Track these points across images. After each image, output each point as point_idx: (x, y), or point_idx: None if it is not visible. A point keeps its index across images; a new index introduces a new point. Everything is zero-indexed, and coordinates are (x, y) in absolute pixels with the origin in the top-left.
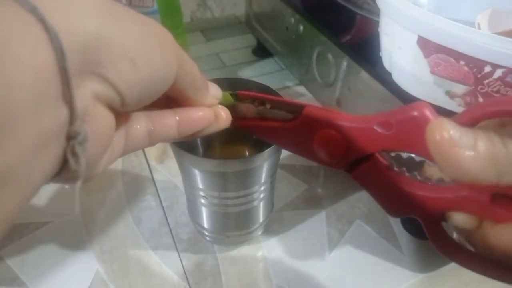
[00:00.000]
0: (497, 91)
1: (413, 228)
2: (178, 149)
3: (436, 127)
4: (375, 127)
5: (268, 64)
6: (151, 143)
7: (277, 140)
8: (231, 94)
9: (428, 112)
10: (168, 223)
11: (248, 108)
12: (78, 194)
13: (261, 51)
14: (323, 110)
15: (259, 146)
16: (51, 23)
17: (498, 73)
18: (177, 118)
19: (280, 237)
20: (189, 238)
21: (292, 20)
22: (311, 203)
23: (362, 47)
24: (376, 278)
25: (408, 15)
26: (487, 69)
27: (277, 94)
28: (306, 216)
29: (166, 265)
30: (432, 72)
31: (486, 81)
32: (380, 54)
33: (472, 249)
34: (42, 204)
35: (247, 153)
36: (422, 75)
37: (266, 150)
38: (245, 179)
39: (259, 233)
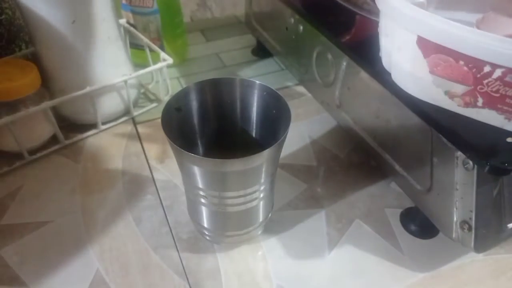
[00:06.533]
0: (497, 91)
1: (413, 227)
2: (178, 148)
3: None
4: None
5: (268, 64)
6: None
7: None
8: None
9: None
10: (168, 223)
11: None
12: (78, 194)
13: (261, 51)
14: None
15: (259, 146)
16: None
17: (498, 73)
18: None
19: (280, 237)
20: (189, 237)
21: (292, 20)
22: (310, 203)
23: (362, 47)
24: (376, 278)
25: (408, 15)
26: (487, 69)
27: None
28: (305, 215)
29: (166, 264)
30: (432, 72)
31: (485, 81)
32: (380, 54)
33: None
34: (42, 204)
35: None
36: (421, 75)
37: (266, 150)
38: (245, 179)
39: (259, 232)
